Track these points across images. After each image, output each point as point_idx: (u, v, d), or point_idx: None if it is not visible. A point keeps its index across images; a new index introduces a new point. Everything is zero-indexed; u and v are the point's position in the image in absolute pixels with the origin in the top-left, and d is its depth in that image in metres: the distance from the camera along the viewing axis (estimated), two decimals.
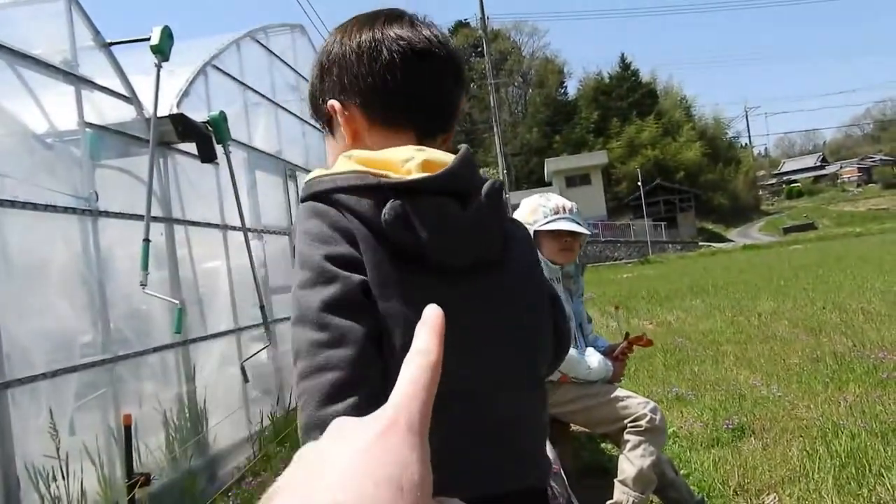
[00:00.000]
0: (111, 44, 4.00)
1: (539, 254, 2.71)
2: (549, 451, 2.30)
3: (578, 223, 2.75)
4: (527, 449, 1.03)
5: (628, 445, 2.53)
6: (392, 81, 1.01)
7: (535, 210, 2.77)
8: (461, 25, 62.51)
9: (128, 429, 2.78)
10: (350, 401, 0.83)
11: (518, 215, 2.83)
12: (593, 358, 2.71)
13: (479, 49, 53.58)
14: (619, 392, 2.64)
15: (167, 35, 3.92)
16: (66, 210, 3.41)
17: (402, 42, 1.02)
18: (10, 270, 3.04)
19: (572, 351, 2.68)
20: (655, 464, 2.51)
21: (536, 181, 51.31)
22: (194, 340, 4.40)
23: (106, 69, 3.98)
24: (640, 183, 43.18)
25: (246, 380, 4.52)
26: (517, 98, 63.54)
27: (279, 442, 4.40)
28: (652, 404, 2.59)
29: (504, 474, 0.97)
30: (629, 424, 2.54)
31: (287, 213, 6.39)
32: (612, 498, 2.53)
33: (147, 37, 3.95)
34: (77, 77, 3.68)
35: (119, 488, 3.33)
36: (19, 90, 3.54)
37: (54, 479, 2.95)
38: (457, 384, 0.76)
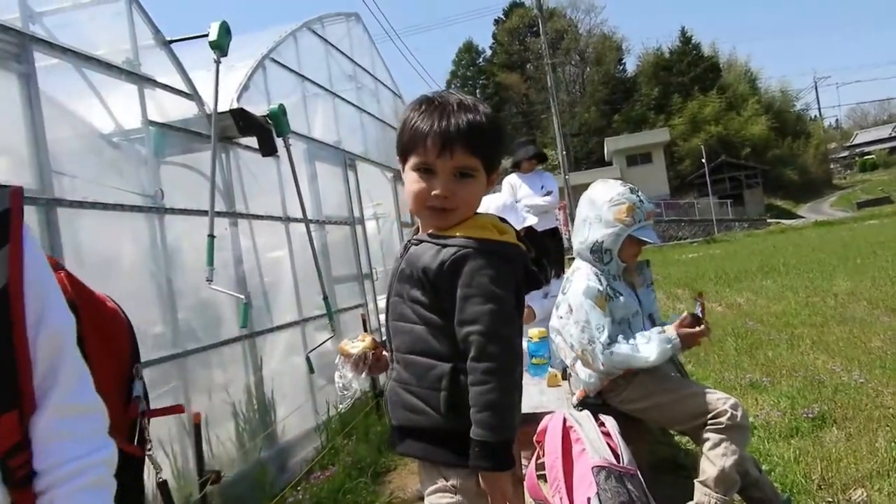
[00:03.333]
0: (171, 41, 4.03)
1: (611, 249, 2.62)
2: (624, 451, 2.22)
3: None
4: None
5: (709, 444, 2.41)
6: None
7: (631, 210, 2.66)
8: (516, 6, 61.75)
9: (197, 427, 2.82)
10: None
11: (601, 202, 2.71)
12: (648, 346, 2.58)
13: (534, 29, 52.84)
14: (697, 387, 2.53)
15: (225, 30, 3.94)
16: (132, 209, 3.46)
17: None
18: (82, 270, 3.09)
19: (623, 345, 2.58)
20: (738, 463, 2.39)
21: (596, 161, 50.52)
22: (260, 333, 4.44)
23: (167, 67, 4.02)
24: (703, 160, 42.02)
25: (311, 370, 4.55)
26: (574, 77, 62.45)
27: (346, 434, 4.42)
28: (732, 400, 2.47)
29: None
30: (709, 421, 2.43)
31: (347, 203, 6.40)
32: (691, 499, 2.42)
33: (205, 33, 3.97)
34: (139, 76, 3.72)
35: (193, 480, 3.38)
36: (85, 91, 3.60)
37: None
38: None
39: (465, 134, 1.53)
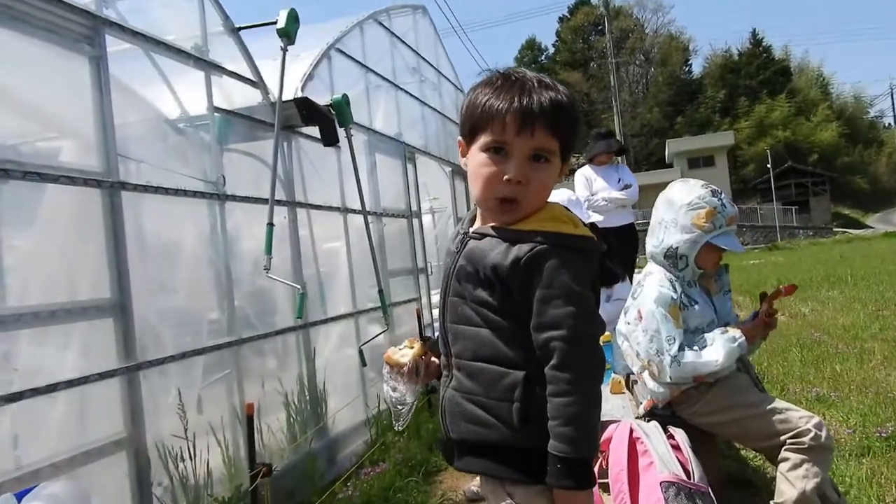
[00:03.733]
0: (239, 29, 4.04)
1: (686, 255, 2.49)
2: (696, 466, 2.09)
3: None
4: None
5: (788, 464, 2.26)
6: None
7: (711, 215, 2.51)
8: (582, 3, 61.03)
9: (250, 418, 2.79)
10: None
11: (679, 206, 2.57)
12: (714, 348, 2.44)
13: (599, 27, 52.16)
14: (778, 403, 2.37)
15: (293, 18, 3.92)
16: (195, 194, 3.47)
17: None
18: (144, 254, 3.11)
19: (689, 353, 2.44)
20: (819, 486, 2.23)
21: (656, 163, 49.62)
22: (314, 323, 4.42)
23: (234, 54, 4.03)
24: (769, 165, 40.81)
25: (364, 364, 4.52)
26: (638, 77, 61.47)
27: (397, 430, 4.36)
28: (816, 419, 2.31)
29: None
30: (789, 441, 2.27)
31: (405, 196, 6.36)
32: None
33: (273, 20, 3.96)
34: (207, 62, 3.73)
35: (243, 469, 3.37)
36: (153, 77, 3.63)
37: (182, 458, 3.01)
38: None
39: (549, 112, 1.39)
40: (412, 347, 1.63)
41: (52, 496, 1.65)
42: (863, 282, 12.31)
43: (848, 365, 5.74)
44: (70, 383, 2.53)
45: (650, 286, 2.55)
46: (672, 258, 2.56)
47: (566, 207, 1.51)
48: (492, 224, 1.47)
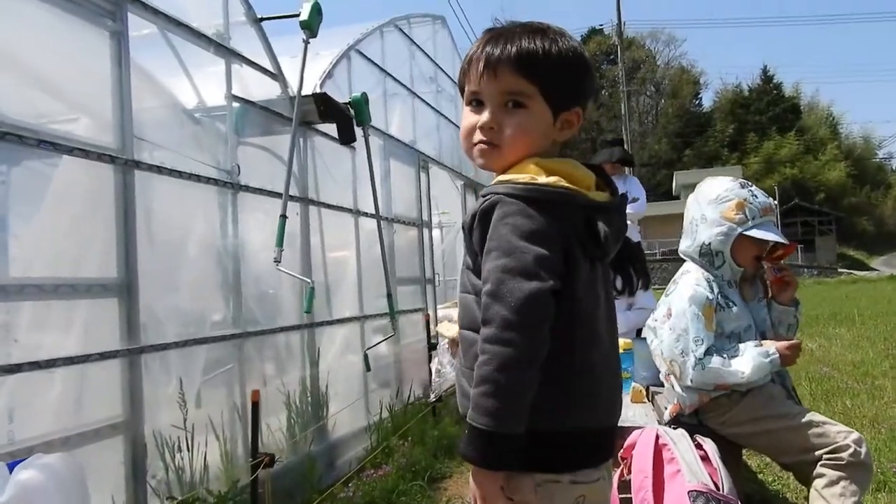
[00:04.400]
0: (262, 19, 3.99)
1: (721, 251, 2.39)
2: (725, 478, 1.99)
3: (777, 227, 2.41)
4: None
5: (824, 480, 2.14)
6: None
7: (741, 206, 2.40)
8: (595, 32, 61.45)
9: (255, 405, 2.69)
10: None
11: (707, 201, 2.48)
12: (742, 359, 2.32)
13: (611, 56, 52.44)
14: (815, 416, 2.25)
15: (316, 11, 3.87)
16: (208, 181, 3.40)
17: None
18: (153, 237, 3.04)
19: (715, 358, 2.33)
20: None
21: (663, 194, 49.58)
22: (320, 324, 4.34)
23: (255, 45, 3.98)
24: (776, 202, 40.83)
25: (368, 368, 4.42)
26: (648, 108, 61.72)
27: (400, 436, 4.25)
28: (856, 434, 2.20)
29: (616, 410, 1.37)
30: (825, 456, 2.15)
31: (417, 204, 6.29)
32: None
33: (297, 13, 3.91)
34: (228, 50, 3.68)
35: (240, 466, 3.26)
36: (173, 63, 3.58)
37: (179, 449, 2.91)
38: (603, 339, 1.31)
39: (517, 54, 1.29)
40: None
41: (47, 466, 1.57)
42: (870, 321, 12.22)
43: (859, 400, 5.63)
44: (70, 360, 2.44)
45: (685, 284, 2.45)
46: (707, 255, 2.46)
47: (589, 164, 1.38)
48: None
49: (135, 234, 2.81)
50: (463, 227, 1.34)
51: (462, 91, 1.40)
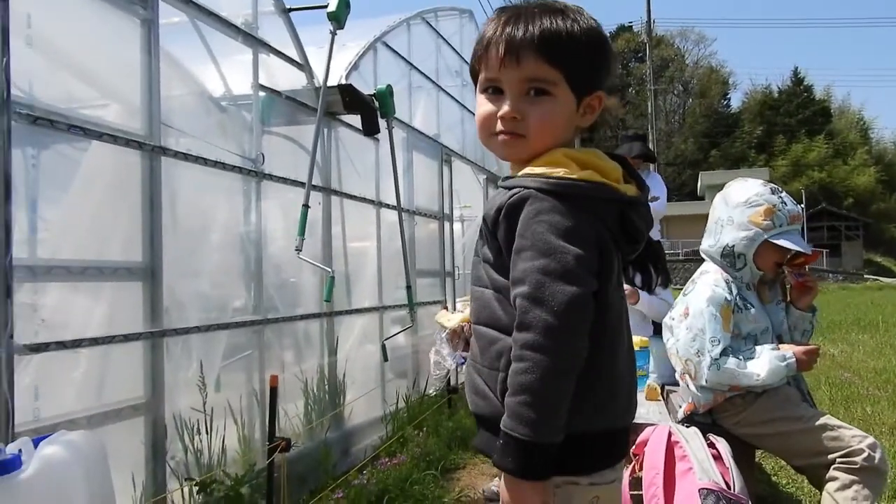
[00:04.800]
0: (290, 10, 4.03)
1: (744, 254, 2.38)
2: (737, 477, 1.99)
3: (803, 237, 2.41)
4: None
5: (836, 484, 2.13)
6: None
7: (770, 213, 2.39)
8: (623, 29, 60.97)
9: (273, 390, 2.74)
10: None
11: (735, 203, 2.47)
12: (758, 362, 2.31)
13: (639, 54, 52.10)
14: (829, 419, 2.24)
15: (344, 3, 3.89)
16: (233, 169, 3.44)
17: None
18: (177, 223, 3.09)
19: (731, 360, 2.33)
20: None
21: (687, 194, 49.19)
22: (339, 313, 4.38)
23: (283, 35, 4.02)
24: (803, 206, 40.28)
25: (385, 358, 4.45)
26: (675, 107, 61.12)
27: (416, 426, 4.29)
28: (871, 439, 2.19)
29: (632, 409, 1.33)
30: (839, 460, 2.15)
31: (439, 198, 6.31)
32: None
33: (325, 4, 3.94)
34: (256, 39, 3.71)
35: (257, 450, 3.32)
36: (201, 52, 3.63)
37: (198, 432, 2.96)
38: (625, 338, 1.29)
39: (539, 37, 1.21)
40: (464, 311, 1.51)
41: (70, 443, 1.61)
42: (895, 328, 12.07)
43: (879, 407, 5.58)
44: (95, 341, 2.50)
45: (704, 284, 2.45)
46: (729, 257, 2.46)
47: (614, 155, 1.32)
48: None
49: (160, 220, 2.86)
50: (484, 220, 1.28)
51: (475, 76, 1.34)
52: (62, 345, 2.35)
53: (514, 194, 1.21)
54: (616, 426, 1.28)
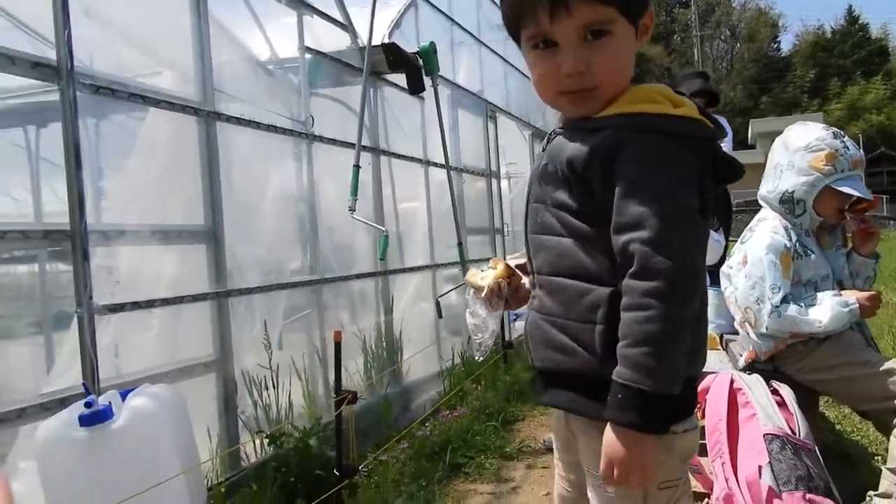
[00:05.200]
0: None
1: (804, 200, 2.33)
2: (802, 423, 1.98)
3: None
4: None
5: None
6: None
7: (831, 158, 2.32)
8: None
9: (337, 345, 2.81)
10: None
11: (795, 147, 2.41)
12: (819, 308, 2.27)
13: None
14: (893, 364, 2.20)
15: None
16: (284, 132, 3.49)
17: None
18: (233, 186, 3.15)
19: (792, 307, 2.29)
20: None
21: (738, 143, 47.85)
22: (393, 272, 4.44)
23: None
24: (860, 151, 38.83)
25: (440, 315, 4.51)
26: (723, 53, 59.13)
27: (473, 380, 4.35)
28: None
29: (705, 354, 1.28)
30: None
31: (485, 154, 6.28)
32: (875, 489, 2.11)
33: None
34: (300, 1, 3.72)
35: (322, 405, 3.42)
36: (247, 16, 3.67)
37: (266, 387, 3.07)
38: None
39: None
40: (495, 268, 1.41)
41: (155, 394, 1.70)
42: None
43: None
44: (166, 301, 2.60)
45: (762, 231, 2.40)
46: (788, 203, 2.40)
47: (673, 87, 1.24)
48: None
49: (219, 184, 2.93)
50: (569, 164, 1.19)
51: (514, 33, 1.25)
52: (137, 305, 2.45)
53: (609, 135, 1.15)
54: (701, 372, 1.26)
